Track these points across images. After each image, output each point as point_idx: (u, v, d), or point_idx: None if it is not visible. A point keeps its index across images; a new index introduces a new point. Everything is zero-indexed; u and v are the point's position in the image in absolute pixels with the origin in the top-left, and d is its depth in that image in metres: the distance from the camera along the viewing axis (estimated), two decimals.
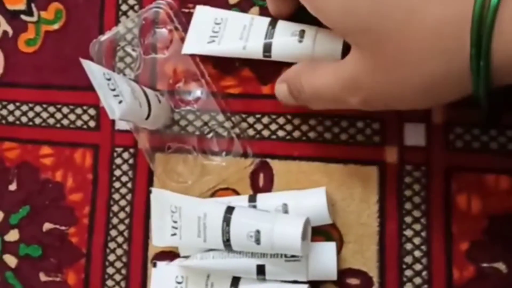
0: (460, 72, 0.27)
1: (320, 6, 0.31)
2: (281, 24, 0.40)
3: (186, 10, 0.45)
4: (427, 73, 0.28)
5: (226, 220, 0.39)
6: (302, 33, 0.39)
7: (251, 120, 0.43)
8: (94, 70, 0.35)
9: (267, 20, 0.41)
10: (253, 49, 0.40)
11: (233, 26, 0.42)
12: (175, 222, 0.41)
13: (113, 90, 0.36)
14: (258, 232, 0.37)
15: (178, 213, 0.41)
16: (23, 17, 0.48)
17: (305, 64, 0.37)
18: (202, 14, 0.43)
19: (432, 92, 0.29)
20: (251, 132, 0.43)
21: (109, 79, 0.36)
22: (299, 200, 0.40)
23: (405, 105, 0.31)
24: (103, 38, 0.44)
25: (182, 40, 0.44)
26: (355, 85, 0.31)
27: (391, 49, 0.29)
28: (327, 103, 0.35)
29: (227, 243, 0.39)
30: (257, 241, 0.37)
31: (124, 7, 0.46)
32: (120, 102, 0.36)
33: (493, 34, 0.25)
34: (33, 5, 0.48)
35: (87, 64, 0.35)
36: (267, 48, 0.40)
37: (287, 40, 0.39)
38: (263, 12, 0.43)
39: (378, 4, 0.28)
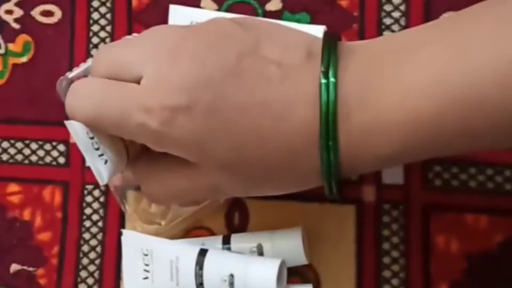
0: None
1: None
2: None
3: None
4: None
5: (199, 264, 0.37)
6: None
7: None
8: (77, 130, 0.32)
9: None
10: None
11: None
12: (147, 265, 0.40)
13: (97, 149, 0.33)
14: (232, 276, 0.37)
15: (150, 256, 0.39)
16: None
17: (144, 162, 0.35)
18: None
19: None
20: None
21: (92, 138, 0.33)
22: (274, 240, 0.39)
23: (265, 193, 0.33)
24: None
25: None
26: (217, 189, 0.32)
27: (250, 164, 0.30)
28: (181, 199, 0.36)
29: (200, 287, 0.38)
30: (231, 285, 0.36)
31: (95, 40, 0.45)
32: (106, 162, 0.34)
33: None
34: (0, 36, 0.46)
35: (70, 125, 0.32)
36: None
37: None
38: None
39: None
